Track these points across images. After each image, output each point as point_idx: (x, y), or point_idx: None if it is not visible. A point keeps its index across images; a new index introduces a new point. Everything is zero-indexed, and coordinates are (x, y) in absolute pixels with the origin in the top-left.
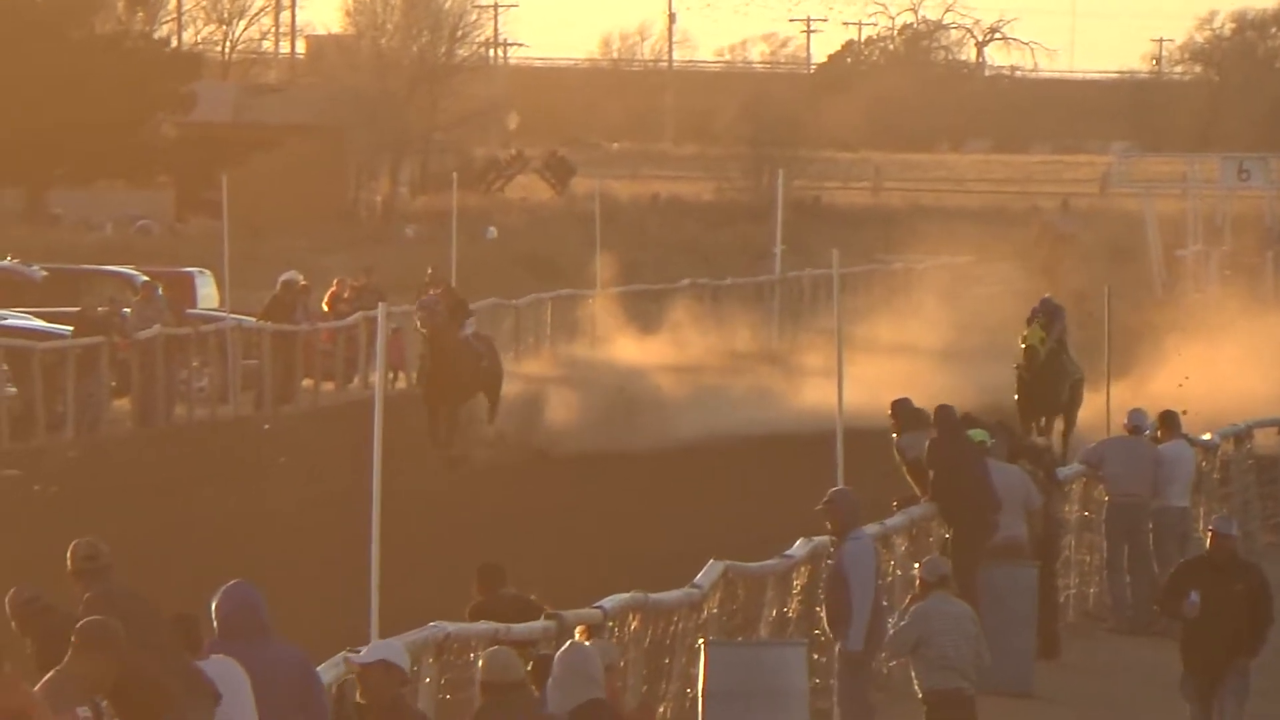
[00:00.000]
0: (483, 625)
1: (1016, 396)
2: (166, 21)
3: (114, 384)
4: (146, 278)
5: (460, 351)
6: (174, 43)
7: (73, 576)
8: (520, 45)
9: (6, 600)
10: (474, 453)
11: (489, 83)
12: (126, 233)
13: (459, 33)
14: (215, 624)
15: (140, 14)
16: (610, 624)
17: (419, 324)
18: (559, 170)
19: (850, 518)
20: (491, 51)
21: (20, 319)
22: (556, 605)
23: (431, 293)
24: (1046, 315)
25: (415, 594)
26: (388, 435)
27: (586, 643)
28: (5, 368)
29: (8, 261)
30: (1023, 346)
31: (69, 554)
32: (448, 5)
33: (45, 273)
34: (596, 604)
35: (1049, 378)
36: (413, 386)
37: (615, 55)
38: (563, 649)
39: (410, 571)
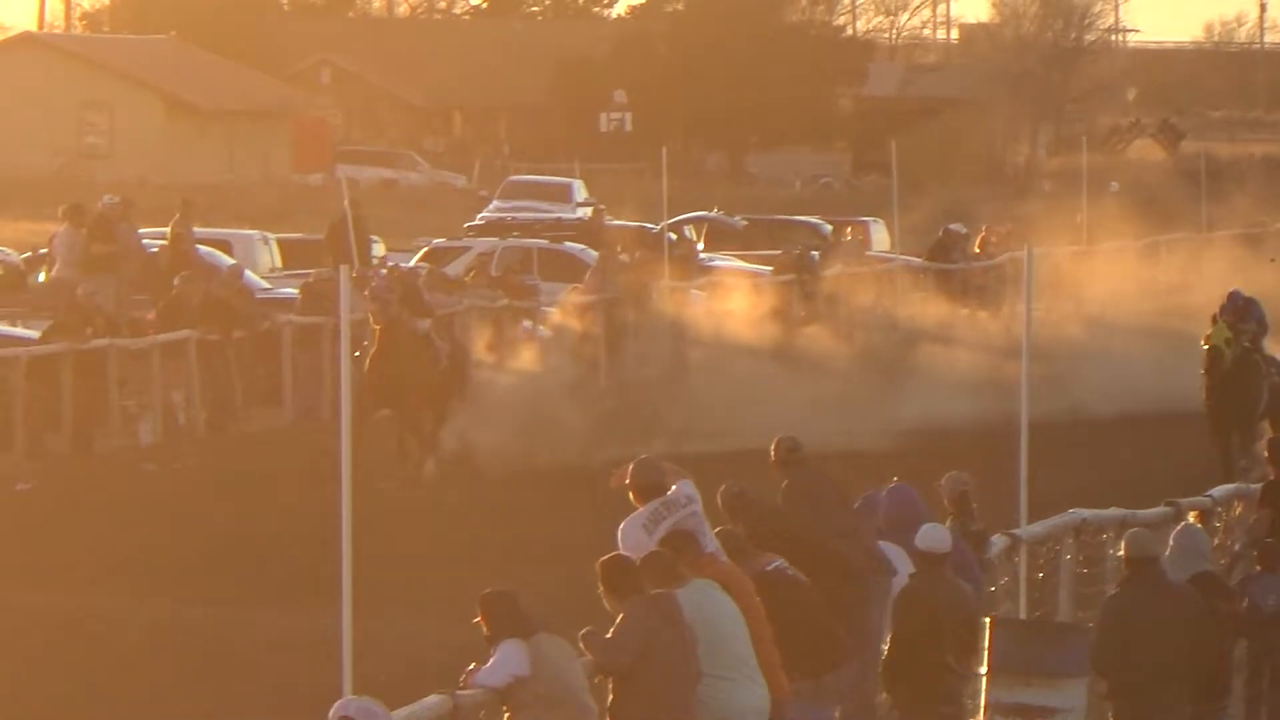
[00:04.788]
0: (1113, 510)
1: (1207, 409)
2: (843, 14)
3: (803, 314)
4: (831, 226)
5: (417, 349)
6: (849, 31)
7: (776, 466)
8: (1136, 31)
9: (718, 495)
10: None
11: (1111, 62)
12: (812, 188)
13: (1086, 21)
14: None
15: (822, 7)
16: (1218, 509)
17: (371, 317)
18: (1170, 134)
19: None
20: (1113, 36)
21: (725, 260)
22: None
23: (382, 275)
24: (1234, 313)
25: (1064, 481)
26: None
27: (1197, 525)
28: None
29: (714, 213)
30: (1205, 348)
31: (773, 447)
32: None
33: (745, 222)
34: (1206, 493)
35: (1240, 381)
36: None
37: (1216, 38)
38: (1177, 529)
39: (1055, 459)
